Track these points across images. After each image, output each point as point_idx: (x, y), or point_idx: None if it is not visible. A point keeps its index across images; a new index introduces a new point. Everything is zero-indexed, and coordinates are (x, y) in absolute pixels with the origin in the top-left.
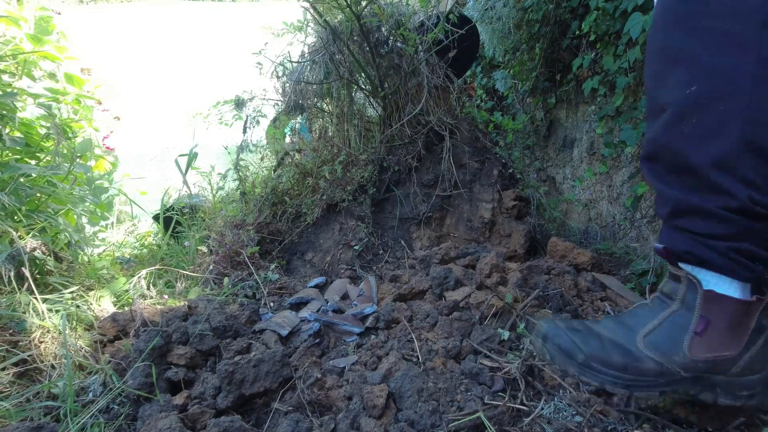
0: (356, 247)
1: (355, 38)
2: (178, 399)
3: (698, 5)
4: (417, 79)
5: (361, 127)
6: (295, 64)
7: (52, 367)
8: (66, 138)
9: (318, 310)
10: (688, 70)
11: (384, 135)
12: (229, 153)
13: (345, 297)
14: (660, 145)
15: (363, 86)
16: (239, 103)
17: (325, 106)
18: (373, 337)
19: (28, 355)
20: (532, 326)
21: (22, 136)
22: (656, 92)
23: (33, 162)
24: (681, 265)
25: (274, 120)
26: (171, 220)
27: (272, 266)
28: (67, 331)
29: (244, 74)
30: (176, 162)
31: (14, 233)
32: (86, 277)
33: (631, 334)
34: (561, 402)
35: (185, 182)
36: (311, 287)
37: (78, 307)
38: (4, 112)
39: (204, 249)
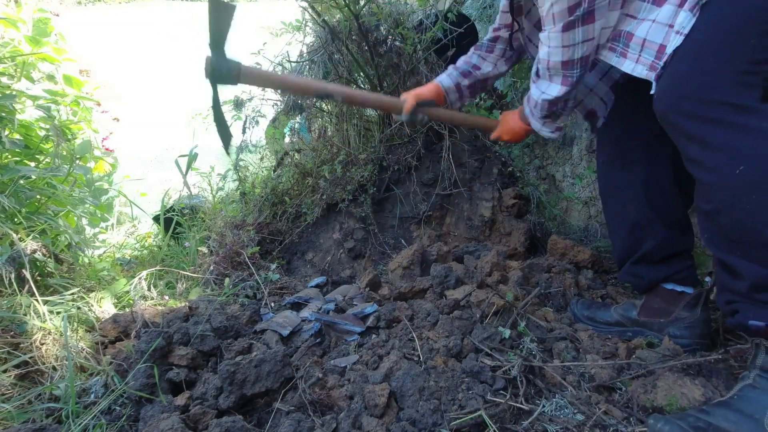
0: (357, 247)
1: (353, 37)
2: (180, 399)
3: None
4: (416, 78)
5: (360, 127)
6: (293, 64)
7: (54, 368)
8: (65, 140)
9: (319, 310)
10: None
11: (383, 134)
12: (228, 153)
13: (346, 296)
14: (722, 224)
15: (362, 85)
16: (238, 104)
17: (324, 105)
18: (374, 336)
19: (30, 357)
20: (652, 426)
21: (22, 138)
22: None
23: (32, 164)
24: None
25: (274, 120)
26: (171, 221)
27: (273, 266)
28: (68, 333)
29: None
30: (176, 163)
31: (14, 235)
32: (87, 279)
33: (758, 425)
34: (562, 400)
35: (185, 183)
36: (312, 287)
37: (79, 308)
38: (3, 114)
39: (204, 250)
